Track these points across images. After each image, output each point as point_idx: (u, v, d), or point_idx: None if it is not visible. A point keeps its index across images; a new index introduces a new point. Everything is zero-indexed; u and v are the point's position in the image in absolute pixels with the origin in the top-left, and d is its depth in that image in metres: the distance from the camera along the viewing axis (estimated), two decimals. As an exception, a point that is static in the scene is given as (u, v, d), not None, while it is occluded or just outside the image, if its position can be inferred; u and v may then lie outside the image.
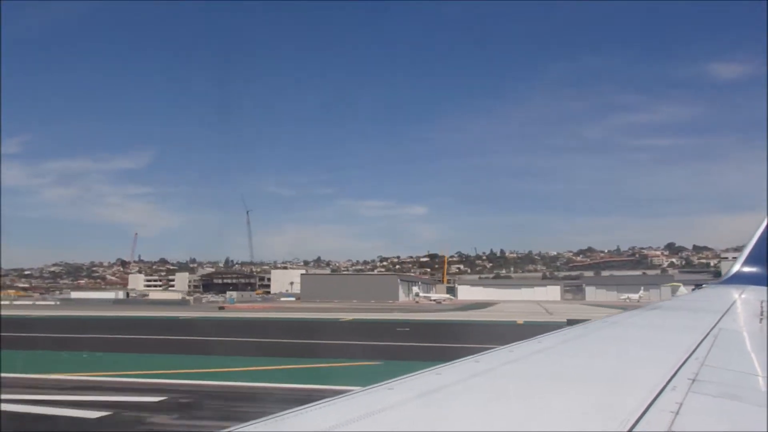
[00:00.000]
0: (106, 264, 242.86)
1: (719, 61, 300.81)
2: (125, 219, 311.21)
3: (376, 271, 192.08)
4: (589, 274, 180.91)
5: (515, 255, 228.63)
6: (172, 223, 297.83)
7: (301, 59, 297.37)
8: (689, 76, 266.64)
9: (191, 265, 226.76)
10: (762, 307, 7.96)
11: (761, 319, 6.86)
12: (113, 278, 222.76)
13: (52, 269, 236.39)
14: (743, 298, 9.37)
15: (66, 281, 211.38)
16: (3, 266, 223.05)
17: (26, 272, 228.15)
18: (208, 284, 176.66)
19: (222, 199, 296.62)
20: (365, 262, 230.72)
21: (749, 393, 2.74)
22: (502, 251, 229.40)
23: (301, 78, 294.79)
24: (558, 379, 2.89)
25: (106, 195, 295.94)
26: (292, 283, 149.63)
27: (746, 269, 12.57)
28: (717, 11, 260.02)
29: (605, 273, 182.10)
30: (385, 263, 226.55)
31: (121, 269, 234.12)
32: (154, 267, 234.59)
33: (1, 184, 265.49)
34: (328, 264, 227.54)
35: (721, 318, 6.02)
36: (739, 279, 12.27)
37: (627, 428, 1.90)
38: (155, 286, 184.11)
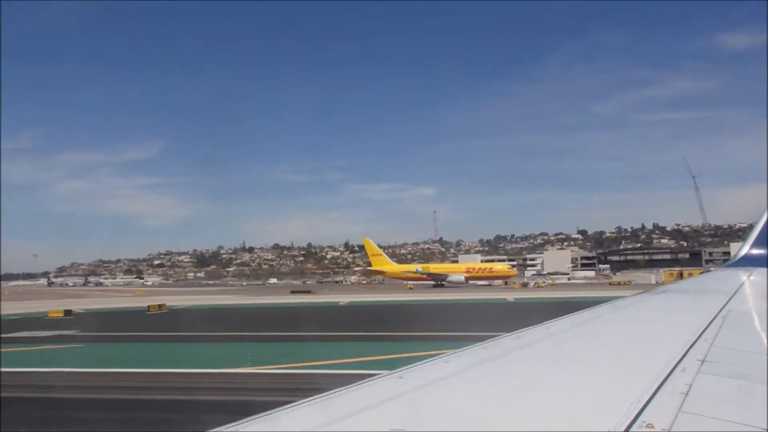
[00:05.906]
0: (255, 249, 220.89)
1: (733, 31, 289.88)
2: (135, 210, 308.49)
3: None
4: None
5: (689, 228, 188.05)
6: (183, 212, 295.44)
7: (313, 48, 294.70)
8: (703, 47, 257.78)
9: (312, 249, 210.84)
10: None
11: None
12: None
13: (181, 258, 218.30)
14: (752, 280, 9.34)
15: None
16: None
17: (156, 262, 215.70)
18: (602, 262, 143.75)
19: (232, 186, 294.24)
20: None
21: (759, 373, 2.74)
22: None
23: (312, 66, 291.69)
24: (567, 363, 2.90)
25: (116, 187, 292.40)
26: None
27: (754, 251, 12.52)
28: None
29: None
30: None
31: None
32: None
33: (11, 180, 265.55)
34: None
35: (729, 299, 6.01)
36: (747, 261, 12.24)
37: (637, 410, 1.91)
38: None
